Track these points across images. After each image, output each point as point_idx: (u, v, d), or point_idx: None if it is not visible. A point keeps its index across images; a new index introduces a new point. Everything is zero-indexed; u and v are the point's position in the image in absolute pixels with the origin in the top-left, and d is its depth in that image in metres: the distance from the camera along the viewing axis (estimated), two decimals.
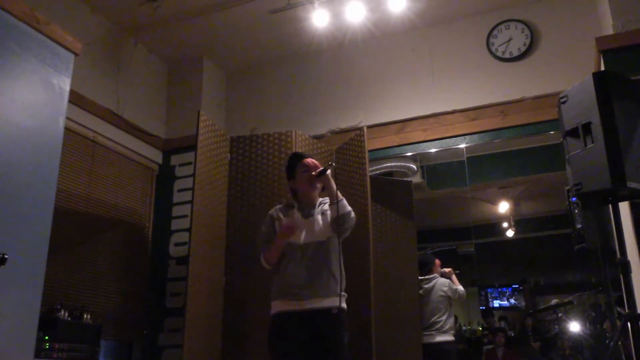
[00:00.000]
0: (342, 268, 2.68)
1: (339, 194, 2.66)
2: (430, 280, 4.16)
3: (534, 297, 4.97)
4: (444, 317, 4.02)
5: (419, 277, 4.15)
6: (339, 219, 2.60)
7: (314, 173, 2.69)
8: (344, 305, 2.63)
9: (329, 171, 2.67)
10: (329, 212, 2.69)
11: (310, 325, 2.54)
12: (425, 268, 4.20)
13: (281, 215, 2.77)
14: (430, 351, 3.88)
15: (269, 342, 2.61)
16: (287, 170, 2.86)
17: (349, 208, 2.65)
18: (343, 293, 2.64)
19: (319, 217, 2.72)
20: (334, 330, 2.56)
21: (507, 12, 4.19)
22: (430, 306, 4.06)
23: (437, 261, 4.26)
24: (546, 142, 4.05)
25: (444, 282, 4.15)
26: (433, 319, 4.02)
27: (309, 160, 2.76)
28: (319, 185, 2.75)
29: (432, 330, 3.98)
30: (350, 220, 2.65)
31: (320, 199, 2.81)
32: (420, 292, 4.11)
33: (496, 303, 4.79)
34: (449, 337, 4.00)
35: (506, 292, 4.83)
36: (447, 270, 4.21)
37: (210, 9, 4.20)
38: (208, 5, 4.16)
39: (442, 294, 4.09)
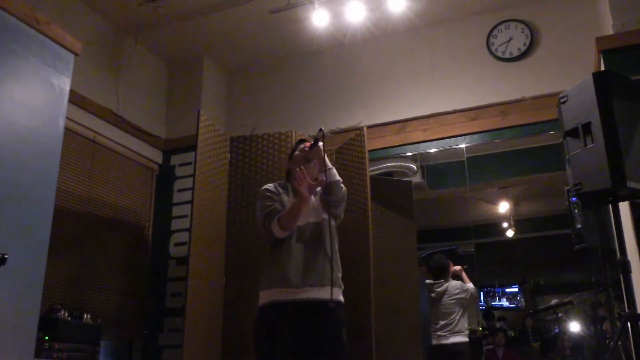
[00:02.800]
0: (337, 254, 2.57)
1: (329, 163, 2.55)
2: (441, 283, 4.12)
3: (534, 297, 4.97)
4: (457, 318, 4.00)
5: (431, 282, 4.14)
6: (327, 187, 2.49)
7: (306, 148, 2.61)
8: (341, 298, 2.50)
9: (320, 143, 2.56)
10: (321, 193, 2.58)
11: (304, 320, 2.38)
12: (444, 273, 4.16)
13: (280, 191, 2.64)
14: (443, 352, 3.88)
15: (254, 336, 2.44)
16: (290, 153, 2.81)
17: (339, 178, 2.54)
18: (340, 284, 2.52)
19: (312, 198, 2.59)
20: (331, 325, 2.41)
21: (507, 12, 4.18)
22: (443, 309, 4.04)
23: (451, 263, 4.23)
24: (546, 142, 4.04)
25: (456, 285, 4.11)
26: (446, 321, 3.99)
27: (309, 143, 2.68)
28: (312, 164, 2.61)
29: (445, 332, 3.98)
30: (340, 190, 2.52)
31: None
32: (433, 295, 4.09)
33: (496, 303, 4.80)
34: (462, 338, 3.98)
35: (499, 292, 4.84)
36: (457, 268, 4.18)
37: (210, 9, 4.20)
38: (208, 5, 4.16)
39: (456, 296, 4.06)
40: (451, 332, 3.97)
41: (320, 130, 2.57)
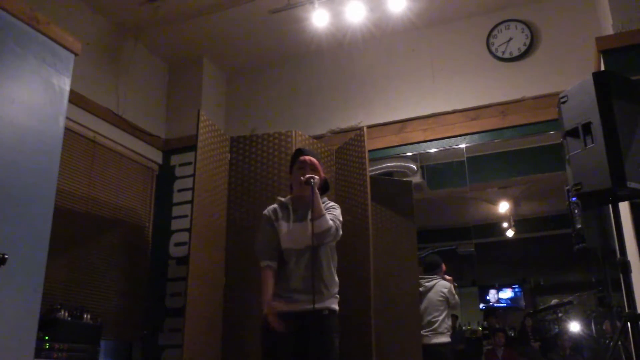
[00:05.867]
0: (335, 273, 2.71)
1: (322, 208, 2.61)
2: (431, 279, 4.17)
3: (534, 297, 4.97)
4: (440, 317, 4.03)
5: (421, 276, 4.16)
6: (313, 237, 2.56)
7: (302, 178, 2.66)
8: (335, 306, 2.65)
9: (314, 181, 2.61)
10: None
11: (301, 325, 2.54)
12: (434, 270, 4.22)
13: (279, 216, 2.74)
14: (426, 352, 3.89)
15: (261, 338, 2.63)
16: (290, 162, 2.87)
17: (327, 225, 2.59)
18: (335, 295, 2.67)
19: (308, 224, 2.66)
20: (324, 331, 2.57)
21: (507, 12, 4.19)
22: (427, 305, 4.08)
23: (444, 266, 4.28)
24: (546, 142, 4.04)
25: (445, 284, 4.16)
26: (429, 319, 4.04)
27: (307, 158, 2.74)
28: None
29: (428, 331, 4.00)
30: (328, 237, 2.62)
31: None
32: (420, 289, 4.12)
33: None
34: (444, 339, 4.03)
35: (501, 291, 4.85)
36: (448, 278, 4.22)
37: (210, 9, 4.20)
38: (208, 5, 4.16)
39: (442, 294, 4.11)
40: (434, 332, 4.00)
41: (312, 178, 2.61)
